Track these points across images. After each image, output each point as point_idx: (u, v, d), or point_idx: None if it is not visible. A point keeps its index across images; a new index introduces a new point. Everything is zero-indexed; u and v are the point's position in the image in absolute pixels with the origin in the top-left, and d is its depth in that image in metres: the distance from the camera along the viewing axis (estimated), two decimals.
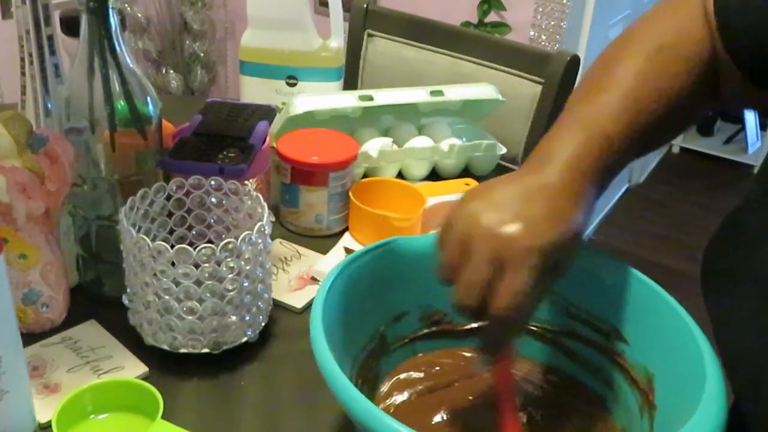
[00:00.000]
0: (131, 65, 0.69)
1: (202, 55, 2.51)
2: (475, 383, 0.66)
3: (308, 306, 0.78)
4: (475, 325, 0.66)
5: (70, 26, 0.80)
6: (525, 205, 0.51)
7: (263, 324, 0.72)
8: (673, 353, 0.56)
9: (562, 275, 0.54)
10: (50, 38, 0.73)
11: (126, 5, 2.28)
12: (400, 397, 0.64)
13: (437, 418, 0.62)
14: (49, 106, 0.75)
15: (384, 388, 0.64)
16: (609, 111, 0.55)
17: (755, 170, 2.93)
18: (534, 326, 0.66)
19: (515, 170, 0.56)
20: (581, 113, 0.56)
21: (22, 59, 0.74)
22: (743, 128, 3.24)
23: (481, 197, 0.53)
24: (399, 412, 0.62)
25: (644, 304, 0.60)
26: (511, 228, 0.50)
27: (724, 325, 0.59)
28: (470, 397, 0.65)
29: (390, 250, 0.63)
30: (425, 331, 0.67)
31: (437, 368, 0.67)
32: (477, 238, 0.51)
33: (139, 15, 2.37)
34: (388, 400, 0.64)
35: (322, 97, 1.01)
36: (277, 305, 0.76)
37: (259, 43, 1.10)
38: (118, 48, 0.68)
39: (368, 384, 0.63)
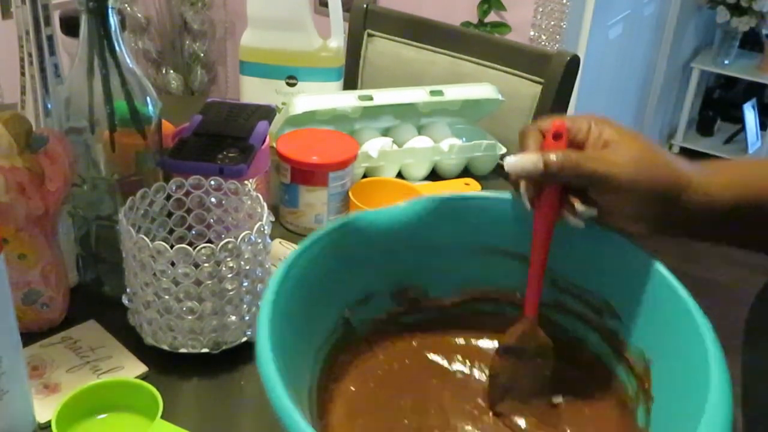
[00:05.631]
0: (131, 65, 0.69)
1: (202, 55, 2.51)
2: (458, 380, 0.61)
3: None
4: (456, 300, 0.63)
5: (70, 26, 0.80)
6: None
7: None
8: (674, 341, 0.52)
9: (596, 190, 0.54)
10: (50, 38, 0.73)
11: (126, 5, 2.27)
12: (362, 396, 0.58)
13: (403, 421, 0.57)
14: (49, 106, 0.75)
15: (349, 383, 0.59)
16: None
17: None
18: (517, 298, 0.61)
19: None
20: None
21: (22, 59, 0.74)
22: (743, 128, 3.24)
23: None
24: (357, 414, 0.56)
25: (643, 285, 0.55)
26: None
27: (757, 381, 0.58)
28: (448, 399, 0.59)
29: (353, 228, 0.57)
30: (404, 312, 0.62)
31: (411, 360, 0.62)
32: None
33: (139, 15, 2.37)
34: (348, 398, 0.58)
35: (322, 96, 1.01)
36: None
37: (259, 43, 1.10)
38: (117, 48, 0.68)
39: (333, 379, 0.57)
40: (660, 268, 0.54)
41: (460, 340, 0.64)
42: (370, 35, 1.40)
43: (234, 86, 2.66)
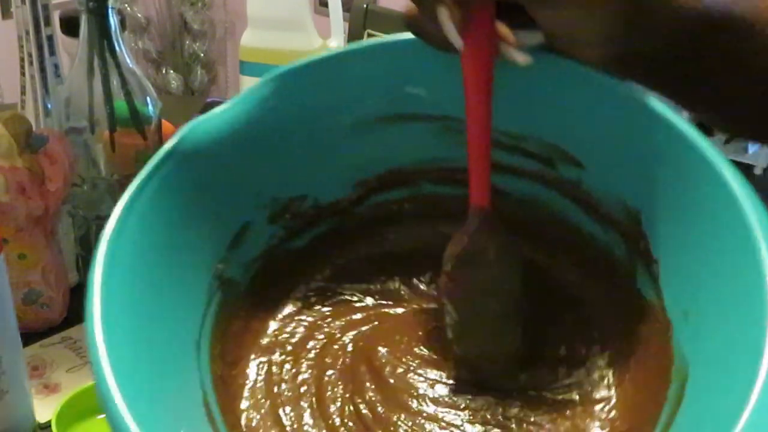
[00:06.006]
0: (131, 65, 0.69)
1: (202, 55, 2.52)
2: (388, 318, 0.45)
3: None
4: (357, 195, 0.46)
5: (70, 26, 0.80)
6: None
7: None
8: (673, 181, 0.37)
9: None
10: (50, 38, 0.73)
11: (126, 5, 2.28)
12: (273, 380, 0.42)
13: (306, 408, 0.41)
14: (49, 106, 0.75)
15: (253, 364, 0.43)
16: None
17: (755, 170, 2.94)
18: (436, 168, 0.45)
19: None
20: None
21: (22, 59, 0.74)
22: None
23: None
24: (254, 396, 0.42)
25: (618, 123, 0.38)
26: None
27: None
28: (383, 356, 0.42)
29: (188, 151, 0.40)
30: (291, 235, 0.45)
31: (321, 305, 0.46)
32: None
33: (139, 15, 2.37)
34: (257, 389, 0.42)
35: None
36: None
37: (259, 43, 1.10)
38: (117, 48, 0.68)
39: (231, 364, 0.42)
40: (647, 98, 0.37)
41: (375, 252, 0.47)
42: (370, 35, 1.40)
43: (234, 86, 2.67)
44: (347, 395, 0.41)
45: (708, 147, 0.36)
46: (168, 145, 0.40)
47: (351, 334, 0.44)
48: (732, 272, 0.33)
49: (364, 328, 0.45)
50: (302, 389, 0.42)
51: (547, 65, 0.39)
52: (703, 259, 0.35)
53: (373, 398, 0.41)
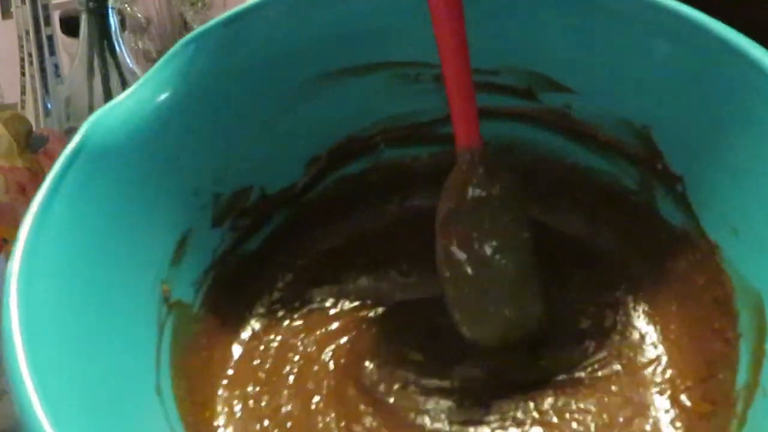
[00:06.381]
0: (131, 65, 0.69)
1: None
2: (372, 320, 0.37)
3: None
4: (309, 178, 0.39)
5: (70, 26, 0.80)
6: None
7: None
8: (687, 82, 0.31)
9: None
10: (50, 38, 0.73)
11: (126, 5, 2.28)
12: (257, 413, 0.35)
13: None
14: (49, 106, 0.75)
15: (231, 398, 0.35)
16: None
17: None
18: (399, 126, 0.38)
19: None
20: None
21: (22, 59, 0.74)
22: None
23: None
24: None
25: (601, 25, 0.32)
26: None
27: None
28: (374, 371, 0.35)
29: (98, 149, 0.30)
30: (241, 238, 0.38)
31: (291, 318, 0.38)
32: None
33: (139, 15, 2.37)
34: (241, 425, 0.34)
35: None
36: None
37: None
38: (117, 48, 0.68)
39: (202, 406, 0.35)
40: None
41: (339, 245, 0.40)
42: None
43: None
44: (342, 424, 0.34)
45: (729, 32, 0.28)
46: (69, 148, 0.30)
47: (330, 349, 0.37)
48: None
49: (342, 341, 0.37)
50: (288, 424, 0.34)
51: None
52: (744, 162, 0.29)
53: (374, 424, 0.34)
